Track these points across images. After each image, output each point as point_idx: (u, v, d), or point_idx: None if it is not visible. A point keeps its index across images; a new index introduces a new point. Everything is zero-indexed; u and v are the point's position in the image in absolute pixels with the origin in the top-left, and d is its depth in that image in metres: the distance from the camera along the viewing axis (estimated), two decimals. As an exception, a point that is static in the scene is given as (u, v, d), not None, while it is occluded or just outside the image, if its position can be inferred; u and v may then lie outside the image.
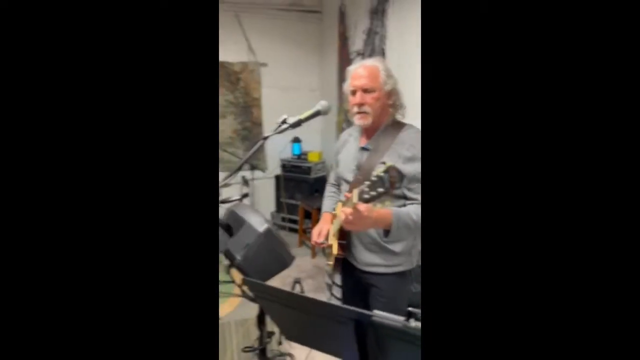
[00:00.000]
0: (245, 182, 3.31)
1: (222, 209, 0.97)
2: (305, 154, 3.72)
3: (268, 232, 0.97)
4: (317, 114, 1.06)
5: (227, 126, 3.79)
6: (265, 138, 1.04)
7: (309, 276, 2.86)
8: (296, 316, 0.69)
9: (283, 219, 3.78)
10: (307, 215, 3.36)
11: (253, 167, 3.20)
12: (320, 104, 1.08)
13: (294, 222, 3.62)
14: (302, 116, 1.04)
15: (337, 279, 1.50)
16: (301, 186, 3.61)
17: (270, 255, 0.98)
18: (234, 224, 1.03)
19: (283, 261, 1.02)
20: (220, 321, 2.25)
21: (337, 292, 1.57)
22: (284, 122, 1.02)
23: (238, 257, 0.95)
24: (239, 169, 1.03)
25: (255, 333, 1.07)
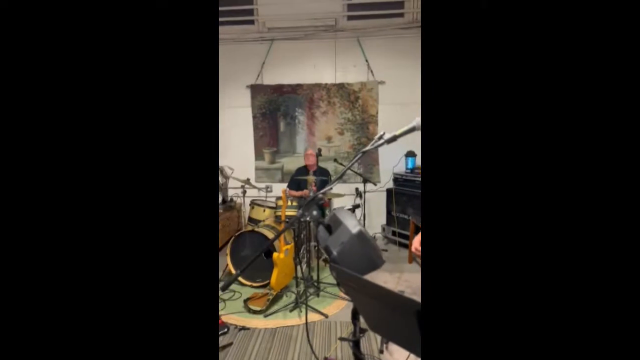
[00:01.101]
0: (359, 193, 3.50)
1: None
2: (419, 168, 3.68)
3: (360, 233, 1.10)
4: (412, 129, 1.14)
5: (344, 142, 4.10)
6: (364, 152, 1.18)
7: (414, 292, 2.81)
8: (372, 304, 0.80)
9: (394, 233, 3.80)
10: (419, 231, 3.30)
11: (365, 180, 3.35)
12: (416, 120, 1.15)
13: (405, 237, 3.60)
14: (398, 132, 1.14)
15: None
16: (413, 201, 3.57)
17: (361, 254, 1.10)
18: (334, 225, 1.20)
19: (373, 261, 1.12)
20: (327, 319, 2.47)
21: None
22: (380, 137, 1.14)
23: (334, 252, 1.12)
24: (340, 177, 1.20)
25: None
